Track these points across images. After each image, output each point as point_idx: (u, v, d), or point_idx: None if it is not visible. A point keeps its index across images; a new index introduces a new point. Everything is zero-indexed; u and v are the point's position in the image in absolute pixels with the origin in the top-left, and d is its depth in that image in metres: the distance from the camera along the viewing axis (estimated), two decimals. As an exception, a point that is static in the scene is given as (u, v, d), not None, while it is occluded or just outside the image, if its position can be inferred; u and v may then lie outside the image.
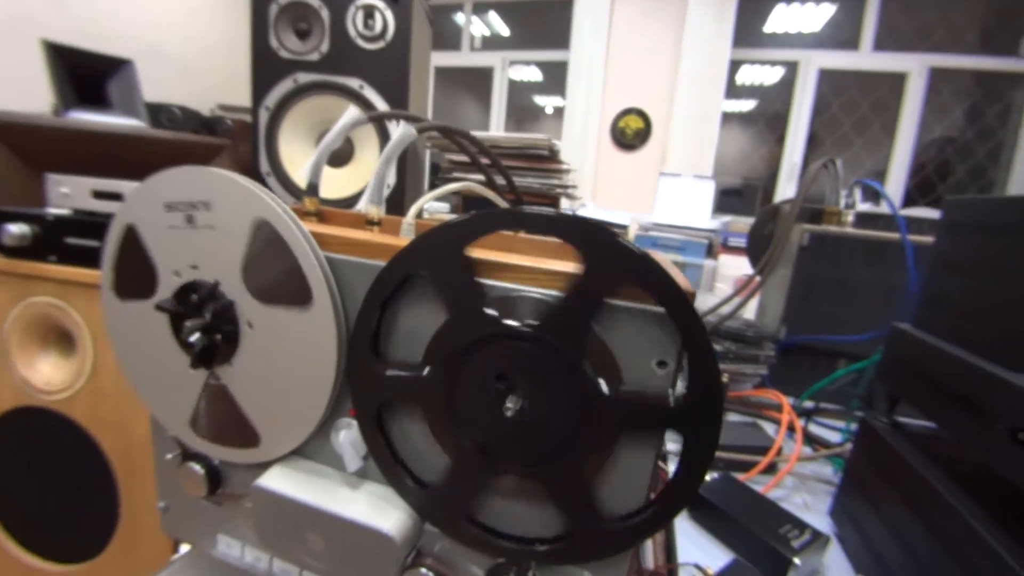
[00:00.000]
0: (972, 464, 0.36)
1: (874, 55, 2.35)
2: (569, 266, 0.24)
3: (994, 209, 0.37)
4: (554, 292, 0.24)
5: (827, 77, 2.42)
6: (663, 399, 0.23)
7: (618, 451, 0.24)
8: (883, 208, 0.83)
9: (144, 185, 0.29)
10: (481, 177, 0.50)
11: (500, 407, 0.23)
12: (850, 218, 0.72)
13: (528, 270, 0.24)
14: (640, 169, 2.38)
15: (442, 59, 2.86)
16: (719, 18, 2.27)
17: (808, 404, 0.64)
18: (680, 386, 0.23)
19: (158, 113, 1.99)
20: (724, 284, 1.33)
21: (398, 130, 0.36)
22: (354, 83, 0.78)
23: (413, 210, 0.33)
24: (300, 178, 0.81)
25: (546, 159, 0.76)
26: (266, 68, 0.79)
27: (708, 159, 2.33)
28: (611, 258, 0.22)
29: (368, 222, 0.38)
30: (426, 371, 0.25)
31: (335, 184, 0.79)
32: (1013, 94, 2.33)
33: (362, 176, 0.81)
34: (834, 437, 0.59)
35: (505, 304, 0.24)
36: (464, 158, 0.82)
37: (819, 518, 0.45)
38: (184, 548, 0.43)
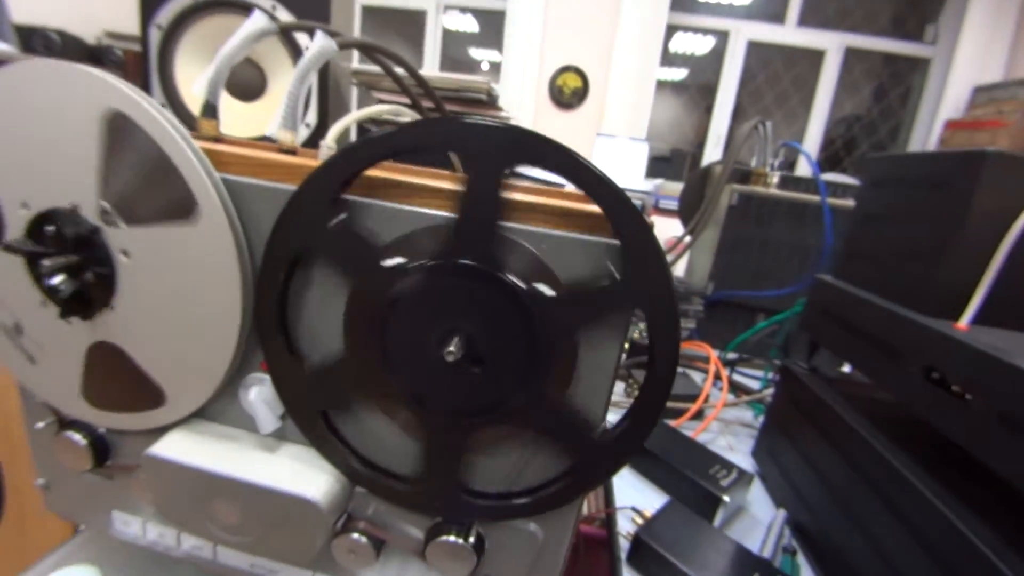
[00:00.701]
0: (884, 403, 0.39)
1: (798, 30, 2.46)
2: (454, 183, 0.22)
3: (911, 163, 0.38)
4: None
5: (754, 49, 2.51)
6: (609, 276, 0.21)
7: (579, 372, 0.23)
8: (801, 173, 0.87)
9: None
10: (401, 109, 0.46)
11: (441, 358, 0.20)
12: (775, 180, 0.75)
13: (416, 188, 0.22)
14: (578, 128, 2.37)
15: (370, -2, 2.65)
16: (657, -21, 2.26)
17: (732, 355, 0.67)
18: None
19: (31, 37, 1.69)
20: (655, 245, 1.37)
21: (315, 42, 0.31)
22: (265, 2, 0.68)
23: (334, 131, 0.29)
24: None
25: (484, 104, 0.72)
26: (159, -21, 0.67)
27: (643, 123, 2.36)
28: (489, 144, 0.20)
29: (281, 151, 0.33)
30: (346, 359, 0.23)
31: (244, 121, 0.70)
32: (914, 77, 2.53)
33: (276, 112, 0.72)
34: (754, 385, 0.63)
35: (402, 246, 0.22)
36: (395, 98, 0.75)
37: (742, 458, 0.48)
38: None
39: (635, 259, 0.20)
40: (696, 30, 2.55)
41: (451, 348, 0.20)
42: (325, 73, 0.69)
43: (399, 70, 0.43)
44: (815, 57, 2.51)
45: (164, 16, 0.67)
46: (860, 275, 0.41)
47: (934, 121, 2.36)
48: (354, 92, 0.81)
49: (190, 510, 0.25)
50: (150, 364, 0.26)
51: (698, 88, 2.82)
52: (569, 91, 2.32)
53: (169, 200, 0.22)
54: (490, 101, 0.72)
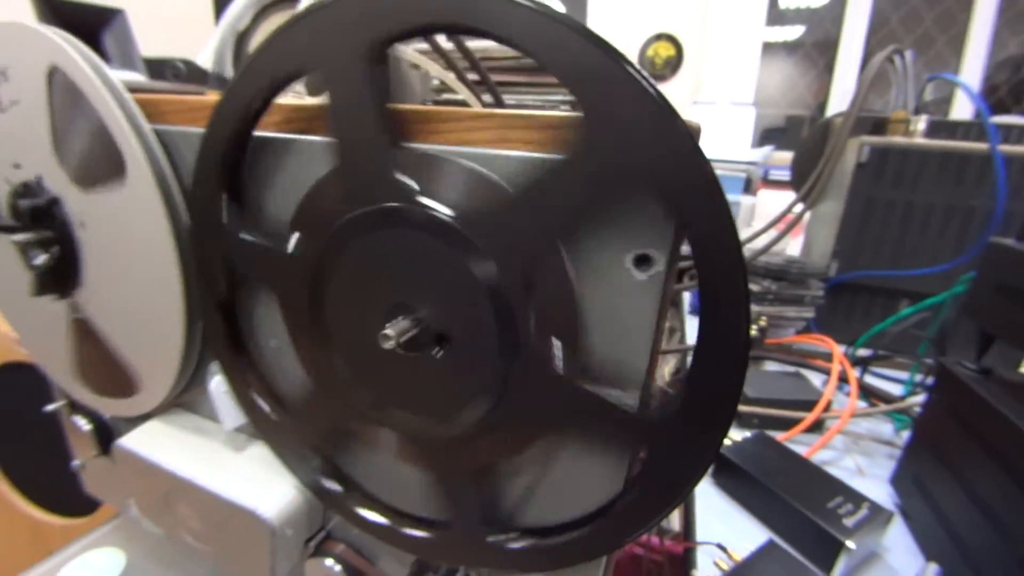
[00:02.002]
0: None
1: (945, -43, 2.04)
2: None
3: None
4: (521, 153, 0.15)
5: (887, -13, 2.13)
6: (633, 413, 0.15)
7: (552, 442, 0.17)
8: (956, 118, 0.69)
9: None
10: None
11: (378, 329, 0.15)
12: (921, 126, 0.59)
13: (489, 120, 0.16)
14: (672, 101, 2.18)
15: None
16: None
17: (864, 352, 0.54)
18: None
19: (162, 68, 1.94)
20: (764, 223, 1.20)
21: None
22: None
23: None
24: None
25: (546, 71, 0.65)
26: (232, -16, 0.69)
27: (748, 88, 2.11)
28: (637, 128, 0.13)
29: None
30: (293, 241, 0.17)
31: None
32: (1113, -4, 1.99)
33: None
34: (895, 390, 0.49)
35: (431, 171, 0.16)
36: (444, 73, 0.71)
37: (877, 486, 0.37)
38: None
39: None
40: (813, -24, 2.23)
41: (386, 331, 0.14)
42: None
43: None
44: (971, -14, 2.07)
45: (233, 17, 0.68)
46: (1065, 237, 0.29)
47: None
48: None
49: (160, 508, 0.22)
50: (119, 340, 0.24)
51: (814, 44, 2.47)
52: (661, 61, 2.14)
53: (109, 161, 0.20)
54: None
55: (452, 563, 0.19)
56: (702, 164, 0.12)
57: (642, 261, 0.14)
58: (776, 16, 2.26)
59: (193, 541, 0.22)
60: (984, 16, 2.07)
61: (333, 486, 0.19)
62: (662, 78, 2.16)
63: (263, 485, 0.20)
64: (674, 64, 2.13)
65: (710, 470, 0.37)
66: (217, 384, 0.21)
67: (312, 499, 0.21)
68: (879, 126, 0.60)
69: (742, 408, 0.44)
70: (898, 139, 0.58)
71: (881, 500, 0.32)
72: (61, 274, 0.23)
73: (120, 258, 0.22)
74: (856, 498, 0.32)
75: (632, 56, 2.21)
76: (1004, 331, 0.31)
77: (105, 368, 0.25)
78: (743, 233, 0.71)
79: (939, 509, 0.32)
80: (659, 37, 2.12)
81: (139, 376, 0.24)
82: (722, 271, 0.13)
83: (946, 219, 0.58)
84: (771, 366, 0.56)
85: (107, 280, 0.23)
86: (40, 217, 0.22)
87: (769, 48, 2.22)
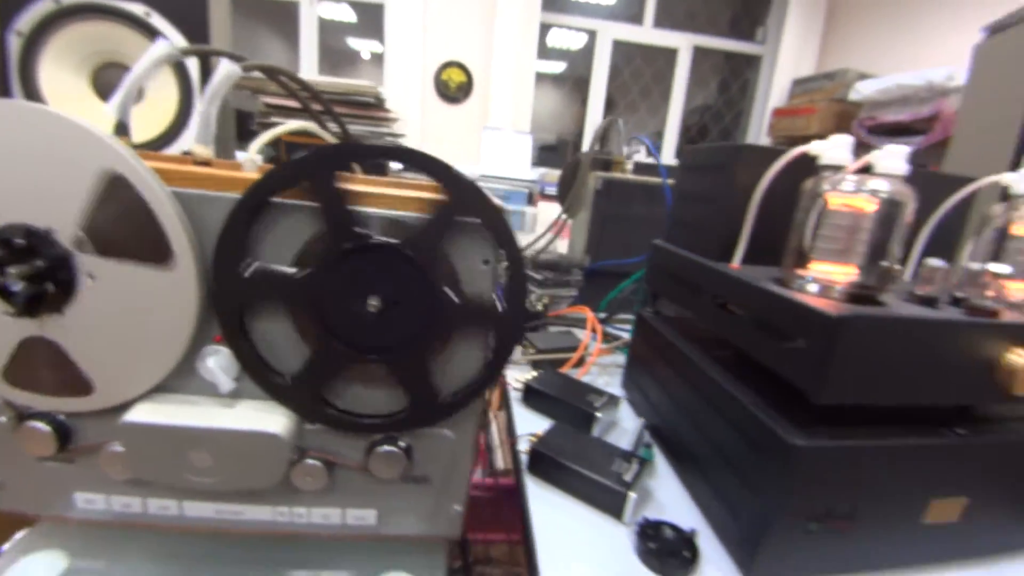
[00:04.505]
0: (701, 329, 0.53)
1: (654, 31, 2.75)
2: (425, 194, 0.30)
3: (703, 153, 0.52)
4: (411, 214, 0.30)
5: (619, 47, 2.77)
6: (493, 307, 0.31)
7: (457, 341, 0.32)
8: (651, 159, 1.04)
9: None
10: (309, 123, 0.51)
11: (364, 305, 0.28)
12: (630, 167, 0.90)
13: (394, 198, 0.30)
14: (465, 122, 2.46)
15: (236, -12, 2.49)
16: (528, -21, 2.40)
17: (602, 314, 0.81)
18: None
19: None
20: (543, 228, 1.51)
21: (220, 68, 0.36)
22: (138, 8, 0.67)
23: (255, 146, 0.34)
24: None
25: (372, 107, 0.77)
26: (13, -19, 0.64)
27: (526, 115, 2.51)
28: (468, 195, 0.29)
29: (196, 163, 0.38)
30: (305, 272, 0.29)
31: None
32: (749, 72, 2.95)
33: (156, 119, 0.72)
34: (626, 335, 0.77)
35: (374, 223, 0.29)
36: (284, 102, 0.78)
37: (616, 390, 0.61)
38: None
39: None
40: (568, 28, 2.74)
41: (372, 302, 0.28)
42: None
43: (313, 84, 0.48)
44: (670, 55, 2.83)
45: (25, 23, 0.64)
46: (680, 238, 0.55)
47: (765, 109, 2.78)
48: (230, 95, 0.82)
49: (164, 464, 0.30)
50: (87, 361, 0.30)
51: (575, 81, 3.03)
52: (455, 85, 2.39)
53: (146, 249, 0.27)
54: (377, 104, 0.78)
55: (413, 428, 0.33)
56: (506, 227, 0.29)
57: (485, 262, 0.31)
58: (545, 52, 2.71)
59: (197, 478, 0.29)
60: (681, 76, 2.83)
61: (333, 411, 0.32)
62: (456, 100, 2.41)
63: (267, 418, 0.30)
64: (466, 89, 2.41)
65: (520, 396, 0.56)
66: (214, 361, 0.29)
67: (296, 423, 0.31)
68: (608, 164, 0.89)
69: (536, 357, 0.64)
70: (618, 175, 0.87)
71: (618, 395, 0.55)
72: (42, 304, 0.27)
73: (127, 303, 0.28)
74: (600, 393, 0.54)
75: (428, 78, 2.43)
76: (661, 290, 0.57)
77: (53, 374, 0.30)
78: (529, 237, 0.95)
79: (644, 392, 0.56)
80: (451, 64, 2.37)
81: (98, 385, 0.30)
82: (513, 262, 0.30)
83: (648, 226, 0.90)
84: (553, 328, 0.79)
85: (98, 316, 0.28)
86: (46, 262, 0.26)
87: (541, 79, 2.65)
